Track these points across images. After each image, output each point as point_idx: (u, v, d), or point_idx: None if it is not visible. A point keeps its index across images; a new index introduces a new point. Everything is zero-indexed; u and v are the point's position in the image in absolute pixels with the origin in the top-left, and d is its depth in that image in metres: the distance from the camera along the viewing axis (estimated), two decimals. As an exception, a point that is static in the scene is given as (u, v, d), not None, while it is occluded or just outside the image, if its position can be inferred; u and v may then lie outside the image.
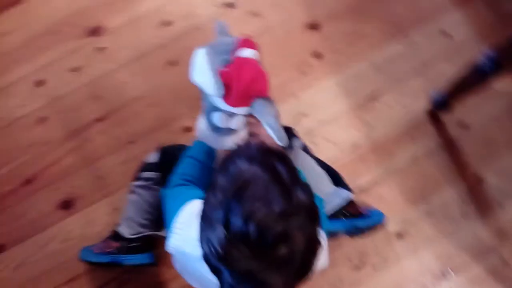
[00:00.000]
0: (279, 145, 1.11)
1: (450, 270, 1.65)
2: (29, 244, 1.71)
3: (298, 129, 1.74)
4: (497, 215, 1.70)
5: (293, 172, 0.83)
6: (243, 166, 0.81)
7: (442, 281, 1.65)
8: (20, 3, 1.92)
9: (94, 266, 1.60)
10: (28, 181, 1.75)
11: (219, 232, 0.77)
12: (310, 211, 0.80)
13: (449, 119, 1.77)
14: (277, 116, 1.12)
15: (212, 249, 0.78)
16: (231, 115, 1.13)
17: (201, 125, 1.22)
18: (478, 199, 1.72)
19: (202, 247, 0.82)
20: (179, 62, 1.82)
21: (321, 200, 1.27)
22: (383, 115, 1.78)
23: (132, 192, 1.56)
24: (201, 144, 1.27)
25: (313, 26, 1.87)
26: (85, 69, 1.83)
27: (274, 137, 1.10)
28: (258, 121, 1.18)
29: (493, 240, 1.67)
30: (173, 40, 1.84)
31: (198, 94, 1.29)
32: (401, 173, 1.74)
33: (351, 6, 1.88)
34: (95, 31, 1.86)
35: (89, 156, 1.77)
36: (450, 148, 1.75)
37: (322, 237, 0.94)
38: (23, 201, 1.74)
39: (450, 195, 1.72)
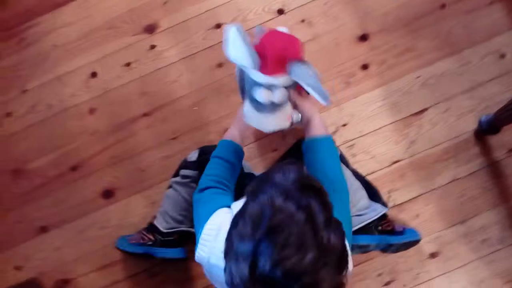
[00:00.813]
0: (323, 104, 1.10)
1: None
2: (70, 228, 1.79)
3: (338, 139, 1.75)
4: (537, 244, 1.65)
5: (328, 210, 0.81)
6: (278, 201, 0.78)
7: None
8: (82, -3, 2.00)
9: (128, 255, 1.65)
10: (73, 168, 1.83)
11: (244, 268, 0.76)
12: (341, 257, 0.79)
13: (495, 141, 1.72)
14: (316, 76, 1.12)
15: (234, 282, 0.78)
16: (272, 87, 1.14)
17: (245, 108, 1.24)
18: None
19: (225, 274, 0.82)
20: (225, 65, 1.85)
21: (348, 219, 1.25)
22: (427, 132, 1.75)
23: (170, 187, 1.60)
24: (228, 143, 1.30)
25: (363, 38, 1.85)
26: (137, 65, 1.90)
27: (317, 97, 1.09)
28: (300, 92, 1.19)
29: (530, 270, 1.63)
30: (222, 43, 1.87)
31: (240, 99, 1.31)
32: (440, 192, 1.71)
33: (404, 21, 1.85)
34: (149, 29, 1.92)
35: (132, 149, 1.83)
36: (494, 171, 1.71)
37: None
38: (67, 186, 1.82)
39: (489, 219, 1.68)
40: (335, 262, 0.77)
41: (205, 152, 1.54)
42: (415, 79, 1.80)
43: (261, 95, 1.16)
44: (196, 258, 1.08)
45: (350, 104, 1.80)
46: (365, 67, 1.83)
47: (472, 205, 1.69)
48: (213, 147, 1.48)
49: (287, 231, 0.75)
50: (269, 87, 1.15)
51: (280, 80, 1.14)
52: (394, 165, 1.74)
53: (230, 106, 1.82)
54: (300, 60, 1.14)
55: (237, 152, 1.31)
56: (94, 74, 1.90)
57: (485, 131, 1.70)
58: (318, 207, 0.79)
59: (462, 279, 1.65)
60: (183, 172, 1.57)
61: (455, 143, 1.74)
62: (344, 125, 1.79)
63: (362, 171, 1.68)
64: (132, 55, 1.90)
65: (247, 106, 1.24)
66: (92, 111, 1.88)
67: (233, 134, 1.34)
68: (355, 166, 1.66)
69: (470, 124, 1.74)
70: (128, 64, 1.90)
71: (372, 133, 1.78)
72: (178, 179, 1.58)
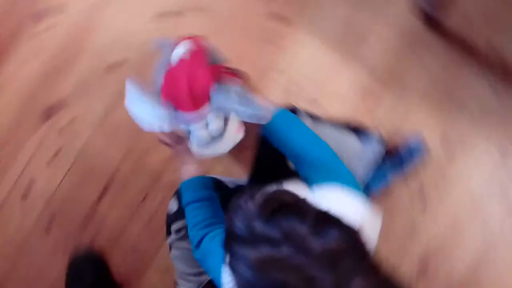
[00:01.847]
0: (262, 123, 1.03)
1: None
2: None
3: (297, 100, 1.63)
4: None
5: (308, 214, 0.71)
6: (252, 256, 0.69)
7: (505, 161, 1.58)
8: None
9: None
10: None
11: None
12: (354, 245, 0.70)
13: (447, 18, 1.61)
14: (242, 98, 1.02)
15: None
16: (204, 123, 1.06)
17: (193, 148, 1.15)
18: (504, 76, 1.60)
19: None
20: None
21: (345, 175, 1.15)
22: (374, 44, 1.63)
23: (171, 248, 1.46)
24: (189, 183, 1.22)
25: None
26: (61, 154, 1.70)
27: (251, 120, 1.00)
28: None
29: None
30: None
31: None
32: (421, 93, 1.62)
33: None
34: (50, 111, 1.71)
35: (111, 235, 1.68)
36: (457, 43, 1.60)
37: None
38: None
39: (479, 88, 1.60)
40: (353, 257, 0.68)
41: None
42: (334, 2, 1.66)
43: (199, 133, 1.06)
44: None
45: (286, 62, 1.66)
46: (279, 18, 1.67)
47: (457, 89, 1.60)
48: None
49: (285, 278, 0.66)
50: (201, 124, 1.05)
51: (205, 112, 1.04)
52: (363, 91, 1.63)
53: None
54: (218, 86, 1.03)
55: (204, 184, 1.22)
56: (26, 191, 1.69)
57: (430, 14, 1.59)
58: (295, 222, 0.69)
59: (489, 157, 1.58)
60: (174, 226, 1.43)
61: (409, 40, 1.62)
62: (293, 84, 1.65)
63: (338, 114, 1.59)
64: (51, 147, 1.70)
65: (193, 146, 1.13)
66: (48, 227, 1.68)
67: (189, 170, 1.25)
68: (329, 114, 1.55)
69: (413, 14, 1.62)
70: (52, 159, 1.69)
71: (323, 75, 1.65)
72: (173, 236, 1.44)
